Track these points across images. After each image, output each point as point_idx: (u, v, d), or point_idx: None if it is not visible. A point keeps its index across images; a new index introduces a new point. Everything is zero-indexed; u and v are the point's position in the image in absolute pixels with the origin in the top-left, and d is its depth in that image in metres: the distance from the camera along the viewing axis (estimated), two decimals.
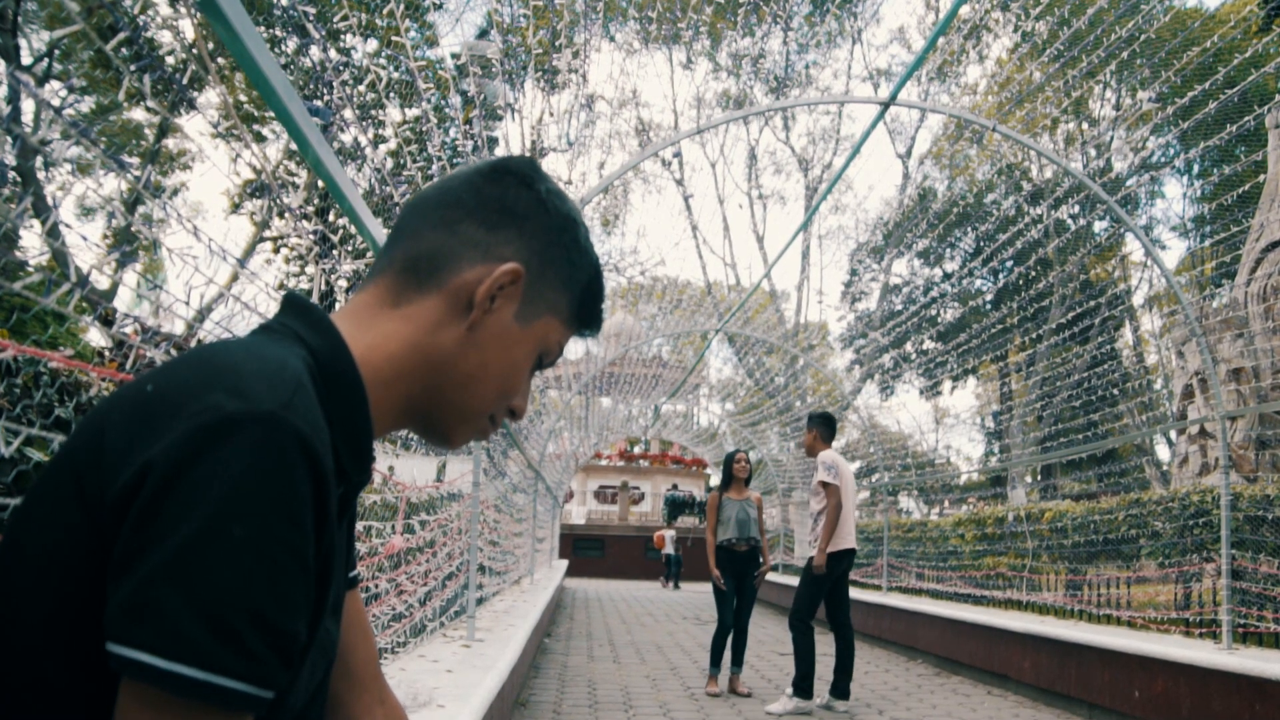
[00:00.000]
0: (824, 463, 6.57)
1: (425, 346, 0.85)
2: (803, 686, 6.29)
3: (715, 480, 33.91)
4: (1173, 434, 15.96)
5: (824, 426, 6.80)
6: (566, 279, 0.91)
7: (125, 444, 0.65)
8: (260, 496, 0.63)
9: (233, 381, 0.67)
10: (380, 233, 2.26)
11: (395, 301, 0.86)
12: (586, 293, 0.94)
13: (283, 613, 0.64)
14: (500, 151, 6.37)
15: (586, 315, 0.95)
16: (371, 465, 0.84)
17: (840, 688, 6.46)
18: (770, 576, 16.45)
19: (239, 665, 0.61)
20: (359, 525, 4.62)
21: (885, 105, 6.06)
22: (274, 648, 0.64)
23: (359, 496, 0.93)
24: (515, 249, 0.87)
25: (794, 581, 15.40)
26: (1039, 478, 22.74)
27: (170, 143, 19.09)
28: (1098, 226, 24.23)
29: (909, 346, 25.70)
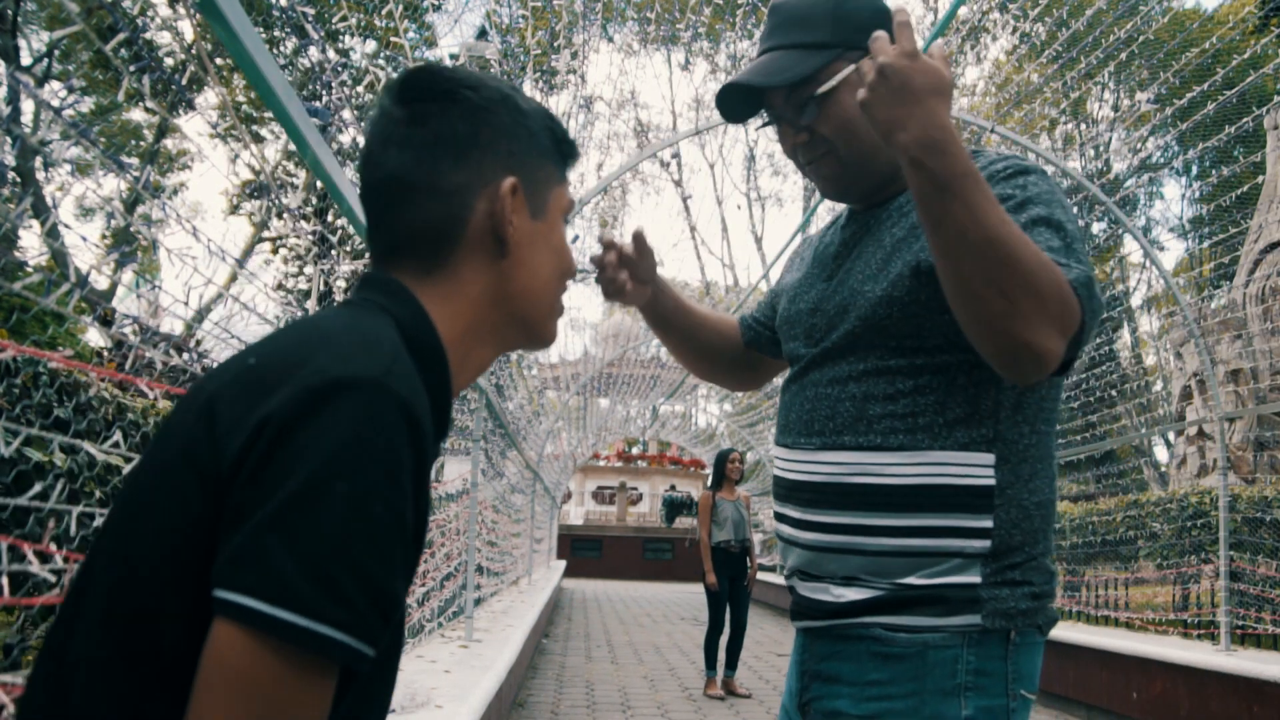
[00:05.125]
0: None
1: (480, 294, 0.88)
2: None
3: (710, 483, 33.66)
4: (1171, 435, 15.97)
5: None
6: (539, 147, 0.91)
7: (238, 412, 0.68)
8: (364, 457, 0.65)
9: (337, 350, 0.70)
10: None
11: (426, 272, 0.86)
12: (556, 140, 0.94)
13: (383, 570, 0.66)
14: None
15: (568, 153, 0.95)
16: (448, 432, 0.87)
17: None
18: (768, 577, 16.45)
19: (340, 615, 0.63)
20: None
21: None
22: (374, 604, 0.66)
23: None
24: (492, 163, 0.87)
25: None
26: None
27: (169, 143, 19.07)
28: (1096, 228, 24.25)
29: None
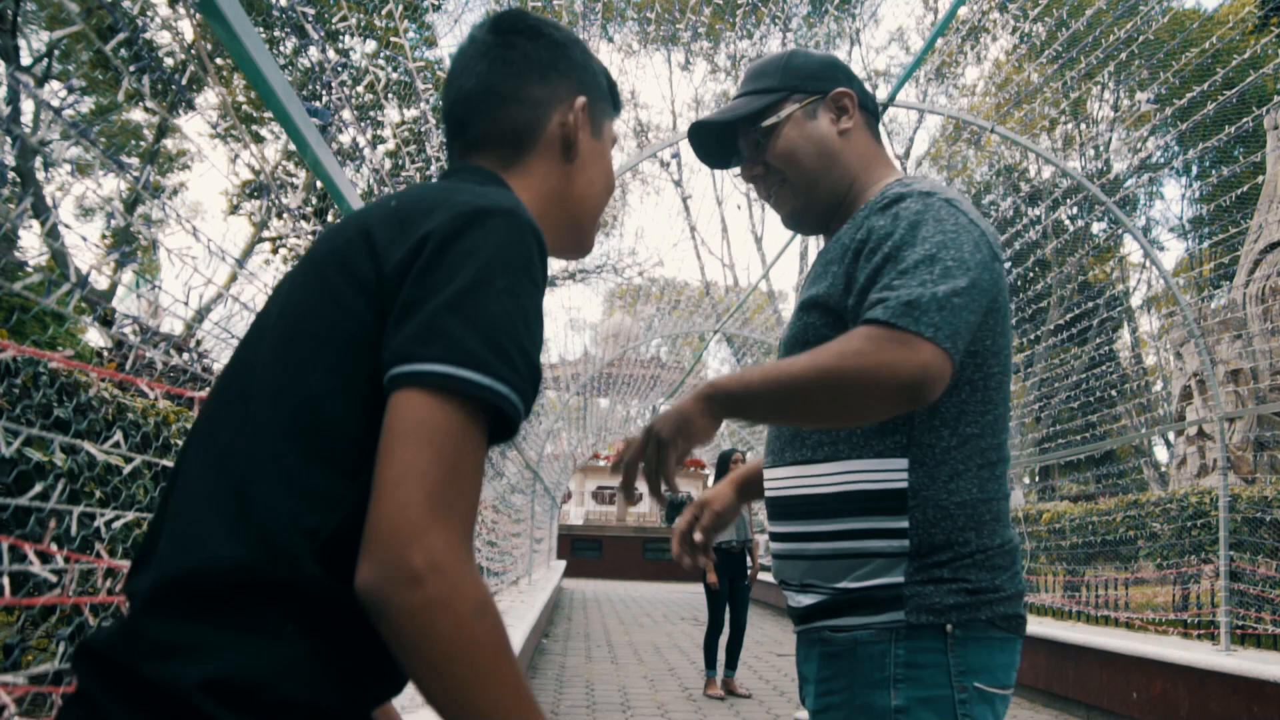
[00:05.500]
0: None
1: (548, 191, 1.06)
2: None
3: (713, 481, 33.61)
4: (1171, 435, 15.97)
5: None
6: (599, 86, 1.12)
7: (394, 235, 0.83)
8: (514, 262, 0.82)
9: (474, 191, 0.87)
10: None
11: (505, 166, 1.04)
12: (610, 84, 1.14)
13: (534, 348, 0.82)
14: None
15: (616, 100, 1.16)
16: None
17: None
18: (769, 577, 16.46)
19: (512, 378, 0.78)
20: None
21: (883, 106, 6.06)
22: (530, 375, 0.81)
23: None
24: (567, 86, 1.07)
25: None
26: (1037, 479, 22.76)
27: (169, 143, 19.06)
28: (1096, 228, 24.24)
29: None
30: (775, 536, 1.41)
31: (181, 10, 12.70)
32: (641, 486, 1.30)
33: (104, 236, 17.33)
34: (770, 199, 1.52)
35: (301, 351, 0.82)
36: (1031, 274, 22.45)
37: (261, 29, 12.51)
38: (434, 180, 1.05)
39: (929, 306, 1.16)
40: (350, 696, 0.83)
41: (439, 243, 0.80)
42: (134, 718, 0.73)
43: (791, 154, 1.46)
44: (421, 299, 0.78)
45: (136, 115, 18.82)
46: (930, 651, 1.23)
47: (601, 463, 33.63)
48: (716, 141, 1.55)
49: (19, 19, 13.14)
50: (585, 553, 29.30)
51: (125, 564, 2.25)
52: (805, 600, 1.36)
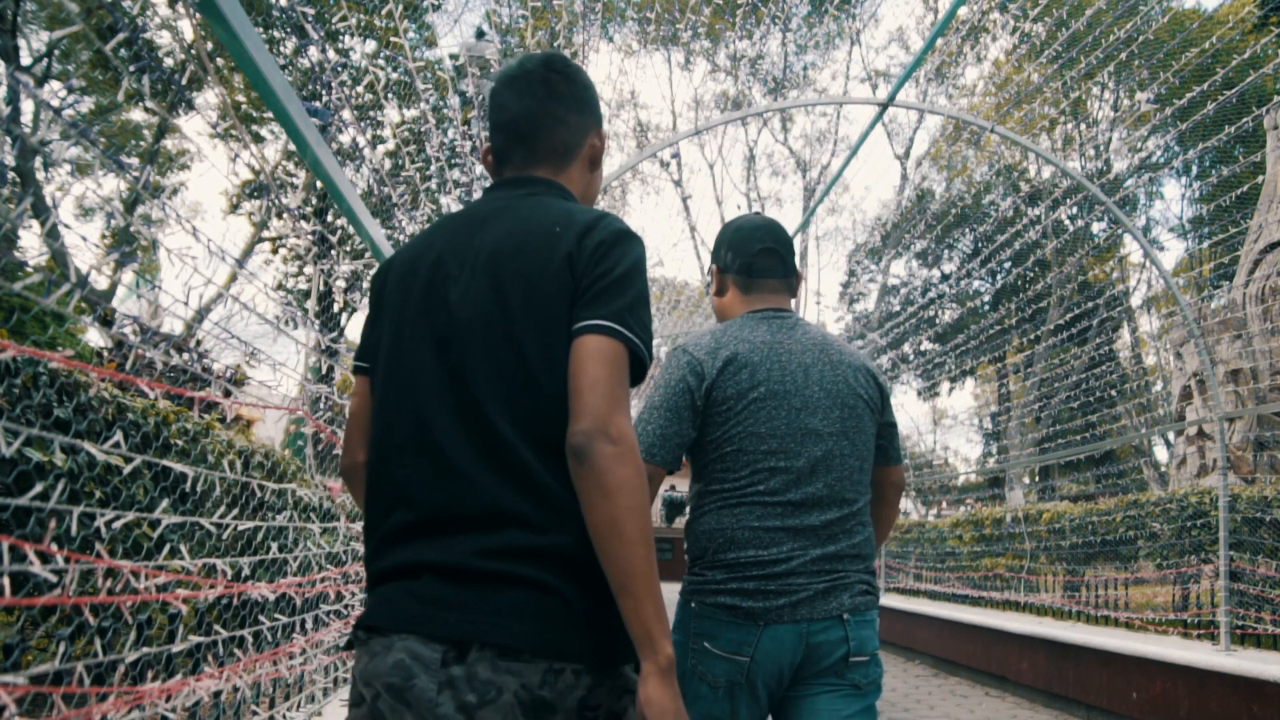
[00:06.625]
0: None
1: (579, 192, 1.52)
2: None
3: None
4: (1171, 435, 15.97)
5: None
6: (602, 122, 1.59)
7: (581, 251, 1.29)
8: (642, 266, 1.32)
9: (608, 215, 1.37)
10: (379, 233, 2.26)
11: (556, 173, 1.48)
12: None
13: (650, 322, 1.31)
14: None
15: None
16: None
17: None
18: None
19: (644, 336, 1.27)
20: (358, 524, 4.63)
21: (883, 106, 6.05)
22: (650, 337, 1.29)
23: None
24: (594, 119, 1.53)
25: None
26: (1037, 479, 22.75)
27: (169, 143, 19.05)
28: (1096, 228, 24.23)
29: (907, 347, 25.67)
30: None
31: (181, 10, 12.69)
32: None
33: (104, 236, 17.33)
34: None
35: (550, 329, 1.26)
36: (1031, 274, 22.45)
37: (261, 29, 12.50)
38: (481, 188, 1.38)
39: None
40: None
41: (605, 249, 1.29)
42: (574, 584, 1.21)
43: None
44: (592, 284, 1.26)
45: (136, 115, 18.81)
46: (684, 617, 1.96)
47: None
48: None
49: (19, 19, 13.13)
50: None
51: (125, 564, 2.25)
52: None
